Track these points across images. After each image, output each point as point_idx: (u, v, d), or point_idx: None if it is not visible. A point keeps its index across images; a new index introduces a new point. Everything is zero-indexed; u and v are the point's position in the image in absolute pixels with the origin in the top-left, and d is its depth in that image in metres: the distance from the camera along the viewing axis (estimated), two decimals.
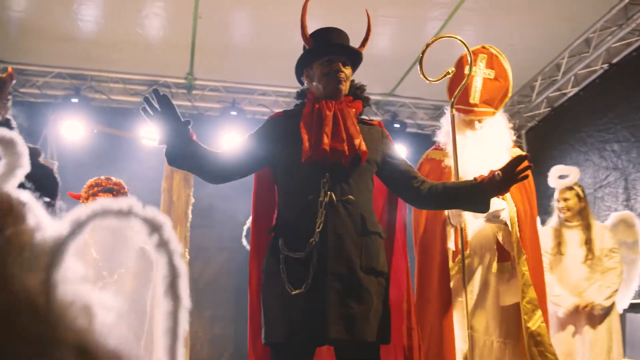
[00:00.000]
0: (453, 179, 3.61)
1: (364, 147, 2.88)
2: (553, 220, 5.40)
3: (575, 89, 8.15)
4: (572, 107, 8.30)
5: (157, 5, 6.88)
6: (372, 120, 3.19)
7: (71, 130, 7.85)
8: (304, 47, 3.07)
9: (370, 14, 7.12)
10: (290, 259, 2.81)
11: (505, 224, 3.73)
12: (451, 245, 3.82)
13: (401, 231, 3.29)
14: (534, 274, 3.72)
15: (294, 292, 2.74)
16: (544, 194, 7.76)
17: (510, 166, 2.77)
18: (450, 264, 3.79)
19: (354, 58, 3.06)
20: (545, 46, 7.73)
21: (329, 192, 2.82)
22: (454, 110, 3.69)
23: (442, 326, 3.62)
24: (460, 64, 3.89)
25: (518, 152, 3.99)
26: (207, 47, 7.69)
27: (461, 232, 3.68)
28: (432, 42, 3.71)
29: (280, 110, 3.31)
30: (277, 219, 2.99)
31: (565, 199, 5.35)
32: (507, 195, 3.75)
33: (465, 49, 3.66)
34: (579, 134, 8.03)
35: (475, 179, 2.88)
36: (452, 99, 3.70)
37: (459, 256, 3.69)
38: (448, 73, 3.73)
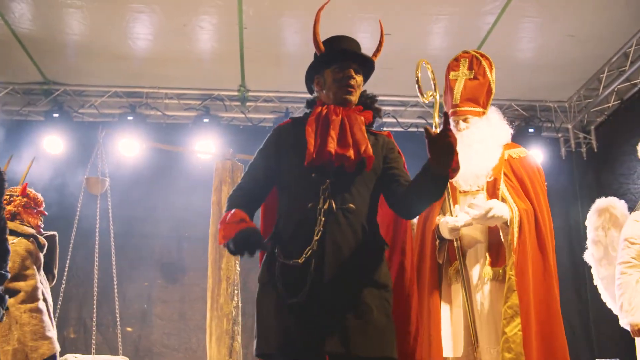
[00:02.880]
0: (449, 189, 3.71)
1: (370, 152, 2.77)
2: None
3: None
4: None
5: (201, 19, 6.87)
6: (381, 131, 3.09)
7: (127, 148, 7.94)
8: (315, 55, 3.00)
9: (422, 12, 6.92)
10: (286, 267, 2.69)
11: (507, 223, 3.62)
12: (440, 260, 3.81)
13: (408, 243, 3.19)
14: (534, 279, 3.58)
15: (290, 301, 2.62)
16: (616, 192, 7.32)
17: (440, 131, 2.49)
18: (450, 270, 3.77)
19: (366, 67, 2.98)
20: (611, 34, 7.26)
21: (328, 200, 2.71)
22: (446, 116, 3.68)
23: (430, 338, 3.60)
24: (447, 72, 4.04)
25: (520, 151, 3.94)
26: (257, 57, 7.62)
27: (457, 248, 3.68)
28: (419, 68, 3.94)
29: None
30: (275, 227, 2.87)
31: None
32: (508, 196, 3.68)
33: (432, 76, 3.98)
34: None
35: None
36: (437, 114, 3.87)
37: (455, 262, 3.70)
38: (430, 95, 3.94)
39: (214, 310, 5.73)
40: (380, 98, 8.81)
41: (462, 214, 3.67)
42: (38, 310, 4.35)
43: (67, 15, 6.88)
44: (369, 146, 2.79)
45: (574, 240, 8.36)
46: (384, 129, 6.14)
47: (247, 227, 2.60)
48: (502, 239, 3.63)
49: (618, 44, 7.52)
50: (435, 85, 3.86)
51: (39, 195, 4.87)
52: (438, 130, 2.74)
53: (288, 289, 2.66)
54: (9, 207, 4.56)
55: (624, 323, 4.47)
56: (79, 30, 7.21)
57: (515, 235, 3.57)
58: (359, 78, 2.93)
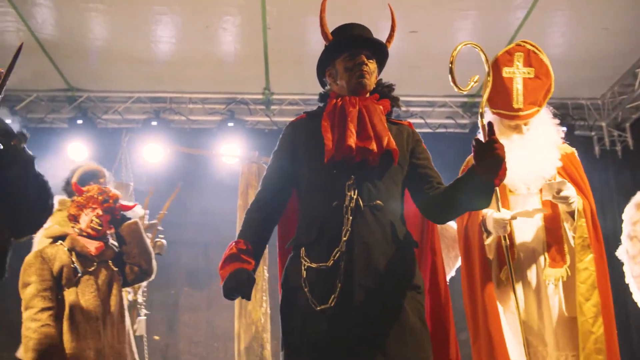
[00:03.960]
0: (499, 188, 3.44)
1: (393, 144, 2.61)
2: None
3: None
4: None
5: (224, 20, 6.77)
6: (401, 120, 2.89)
7: (151, 153, 7.85)
8: (325, 46, 2.84)
9: (448, 8, 6.74)
10: (312, 271, 2.53)
11: (573, 211, 3.44)
12: (490, 255, 3.59)
13: (436, 241, 3.03)
14: (599, 277, 3.41)
15: (319, 308, 2.45)
16: None
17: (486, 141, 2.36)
18: (502, 273, 3.54)
19: (379, 53, 2.80)
20: None
21: (354, 196, 2.54)
22: (483, 120, 3.38)
23: (493, 342, 3.37)
24: (496, 66, 3.70)
25: (567, 148, 3.75)
26: (281, 59, 7.50)
27: (506, 247, 3.43)
28: (457, 51, 3.43)
29: None
30: (298, 230, 2.70)
31: None
32: (573, 190, 3.48)
33: (484, 57, 3.46)
34: None
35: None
36: (481, 109, 3.45)
37: (505, 268, 3.47)
38: (475, 81, 3.43)
39: (242, 317, 5.61)
40: (406, 99, 8.73)
41: (506, 211, 3.49)
42: None
43: (89, 20, 6.84)
44: (391, 138, 2.63)
45: (610, 243, 8.08)
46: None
47: (236, 269, 2.50)
48: (568, 233, 3.46)
49: None
50: (489, 69, 3.48)
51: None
52: (484, 138, 2.52)
53: (316, 295, 2.49)
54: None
55: None
56: (101, 35, 7.17)
57: (585, 227, 3.43)
58: (372, 64, 2.76)
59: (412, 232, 2.80)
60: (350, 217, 2.51)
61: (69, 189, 4.03)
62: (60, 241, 3.63)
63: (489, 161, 2.32)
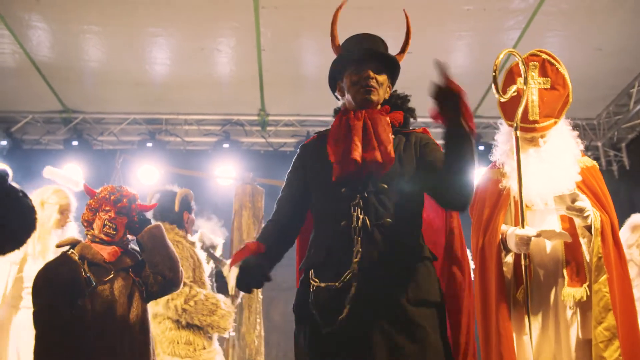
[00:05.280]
0: (518, 204, 3.32)
1: (391, 153, 2.52)
2: None
3: None
4: None
5: (218, 42, 6.79)
6: (415, 129, 2.81)
7: (146, 175, 7.82)
8: (333, 60, 2.77)
9: (443, 29, 6.73)
10: (321, 291, 2.46)
11: (589, 227, 3.28)
12: (509, 274, 3.44)
13: (459, 250, 2.88)
14: (621, 298, 3.23)
15: (324, 330, 2.39)
16: None
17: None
18: (518, 293, 3.39)
19: (390, 65, 2.72)
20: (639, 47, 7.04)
21: (361, 216, 2.47)
22: (517, 132, 3.37)
23: None
24: (510, 77, 3.54)
25: (588, 161, 3.59)
26: (276, 80, 7.51)
27: (525, 267, 3.30)
28: (500, 60, 3.36)
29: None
30: (308, 251, 2.64)
31: None
32: (588, 202, 3.32)
33: (522, 67, 3.38)
34: None
35: None
36: (515, 122, 3.36)
37: (523, 286, 3.31)
38: (513, 92, 3.42)
39: (236, 339, 5.54)
40: None
41: (531, 229, 3.34)
42: None
43: (84, 42, 6.86)
44: (391, 148, 2.54)
45: None
46: None
47: (250, 255, 2.47)
48: (585, 252, 3.32)
49: None
50: (525, 78, 3.38)
51: None
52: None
53: (325, 316, 2.42)
54: None
55: None
56: (96, 57, 7.18)
57: (601, 246, 3.26)
58: (381, 77, 2.66)
59: (434, 242, 2.72)
60: (360, 238, 2.45)
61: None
62: (71, 250, 3.23)
63: (444, 97, 2.26)
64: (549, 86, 3.50)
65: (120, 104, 8.13)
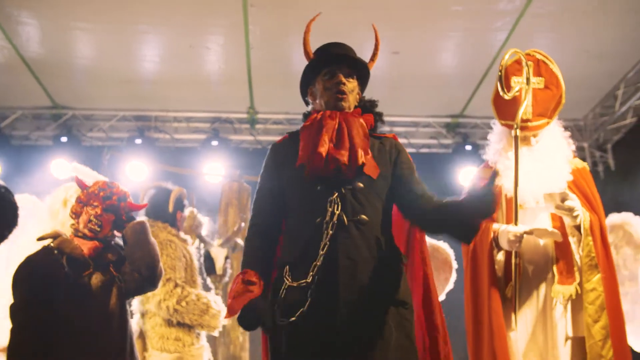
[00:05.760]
0: (513, 202, 3.34)
1: (363, 158, 2.60)
2: None
3: None
4: None
5: (207, 40, 6.81)
6: (385, 134, 2.88)
7: (135, 171, 7.84)
8: (305, 66, 2.85)
9: (431, 29, 6.78)
10: (292, 290, 2.51)
11: (579, 227, 3.33)
12: (500, 272, 3.50)
13: (426, 252, 2.92)
14: (609, 298, 3.30)
15: (280, 322, 2.47)
16: (636, 211, 7.10)
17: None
18: (507, 289, 3.45)
19: (360, 70, 2.80)
20: (626, 50, 7.10)
21: (337, 212, 2.52)
22: (517, 131, 3.39)
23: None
24: (506, 75, 3.55)
25: (579, 163, 3.65)
26: (265, 78, 7.54)
27: (516, 265, 3.35)
28: (505, 60, 3.45)
29: None
30: (282, 249, 2.69)
31: None
32: (578, 202, 3.35)
33: (525, 67, 3.45)
34: None
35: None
36: (516, 123, 3.39)
37: (511, 283, 3.37)
38: (517, 91, 3.48)
39: (221, 336, 5.56)
40: (390, 119, 8.72)
41: (523, 226, 3.40)
42: None
43: (74, 38, 6.88)
44: (367, 154, 2.63)
45: None
46: None
47: (249, 301, 2.50)
48: (574, 251, 3.38)
49: (633, 60, 7.34)
50: (528, 79, 3.44)
51: None
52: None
53: (289, 310, 2.48)
54: None
55: None
56: (86, 53, 7.21)
57: (592, 246, 3.33)
58: (351, 83, 2.75)
59: (399, 243, 2.78)
60: (330, 232, 2.49)
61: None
62: (51, 243, 3.16)
63: (480, 207, 2.40)
64: (542, 86, 3.56)
65: (109, 101, 8.14)
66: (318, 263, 2.47)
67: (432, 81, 7.38)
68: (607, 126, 8.34)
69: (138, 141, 8.19)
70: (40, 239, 3.23)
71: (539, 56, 3.62)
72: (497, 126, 3.66)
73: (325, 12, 6.44)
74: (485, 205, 2.37)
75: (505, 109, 3.57)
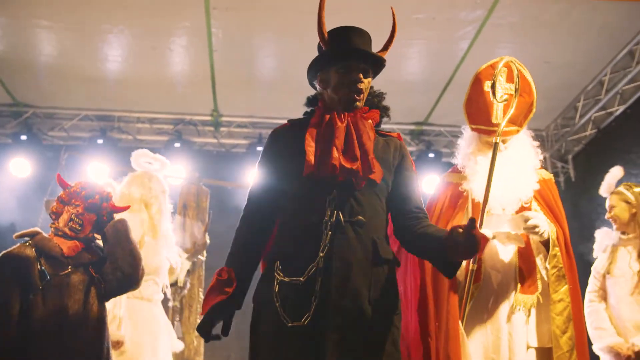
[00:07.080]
0: (481, 207, 3.25)
1: (377, 167, 2.52)
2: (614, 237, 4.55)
3: (622, 107, 7.57)
4: (620, 126, 7.70)
5: (170, 41, 6.78)
6: (390, 132, 2.77)
7: (96, 172, 7.73)
8: (319, 47, 2.66)
9: (395, 36, 6.79)
10: (285, 286, 2.42)
11: (547, 241, 3.30)
12: (461, 277, 3.38)
13: (413, 259, 2.89)
14: (574, 309, 3.28)
15: (290, 324, 2.36)
16: (594, 222, 7.20)
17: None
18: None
19: (376, 65, 2.66)
20: (586, 62, 7.20)
21: (335, 212, 2.42)
22: (498, 138, 3.31)
23: None
24: (477, 80, 3.54)
25: (545, 174, 3.63)
26: (229, 81, 7.52)
27: (472, 270, 3.26)
28: (499, 70, 3.41)
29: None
30: (274, 243, 2.59)
31: (611, 207, 4.50)
32: (540, 217, 3.34)
33: (516, 72, 3.41)
34: (629, 156, 7.40)
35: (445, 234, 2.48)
36: (499, 128, 3.32)
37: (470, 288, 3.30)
38: (510, 95, 3.44)
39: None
40: None
41: (487, 230, 3.33)
42: None
43: (34, 36, 6.79)
44: (375, 160, 2.53)
45: None
46: None
47: (213, 306, 2.44)
48: (540, 267, 3.33)
49: (593, 72, 7.46)
50: (516, 84, 3.40)
51: None
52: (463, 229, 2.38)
53: (288, 310, 2.38)
54: None
55: (602, 346, 4.31)
56: (47, 51, 7.12)
57: (560, 257, 3.29)
58: (368, 81, 2.60)
59: (393, 243, 2.71)
60: (330, 233, 2.40)
61: None
62: (28, 241, 3.10)
63: (463, 251, 2.34)
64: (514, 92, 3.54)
65: (72, 100, 8.05)
66: (319, 265, 2.38)
67: (395, 88, 7.38)
68: (567, 137, 8.45)
69: (100, 141, 8.10)
70: (18, 236, 3.18)
71: (512, 64, 3.60)
72: (467, 131, 3.62)
73: (287, 17, 6.48)
74: (470, 248, 2.32)
75: (477, 114, 3.54)
